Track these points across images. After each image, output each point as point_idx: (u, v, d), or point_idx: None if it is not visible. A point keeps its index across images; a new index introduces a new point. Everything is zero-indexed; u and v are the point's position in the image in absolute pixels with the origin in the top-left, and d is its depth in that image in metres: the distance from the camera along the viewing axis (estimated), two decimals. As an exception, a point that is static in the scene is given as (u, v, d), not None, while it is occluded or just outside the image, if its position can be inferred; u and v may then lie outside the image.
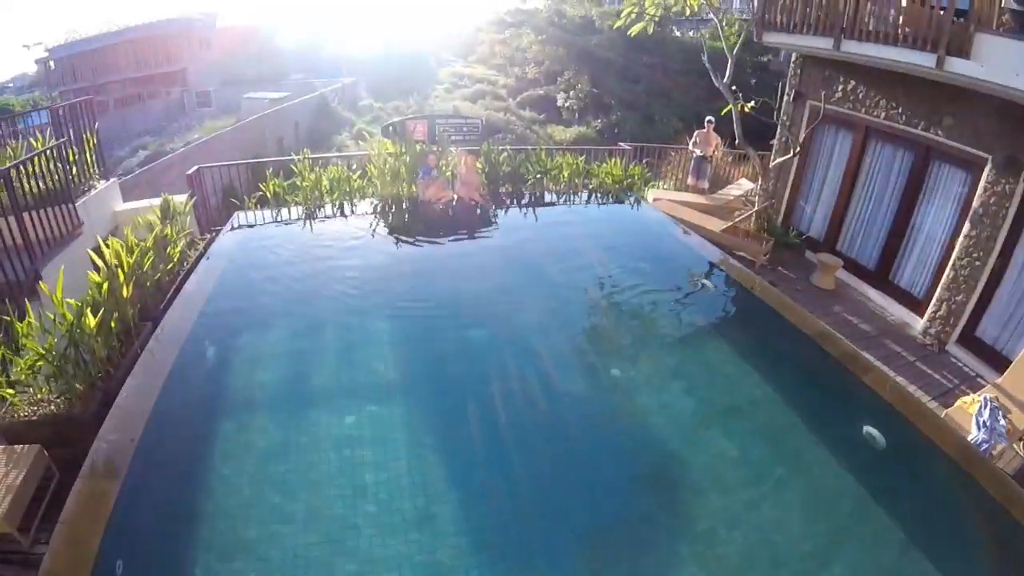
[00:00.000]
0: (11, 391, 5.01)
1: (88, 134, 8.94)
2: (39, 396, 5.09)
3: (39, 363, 5.05)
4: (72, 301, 5.30)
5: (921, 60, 7.30)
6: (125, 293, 5.88)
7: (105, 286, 5.73)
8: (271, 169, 9.71)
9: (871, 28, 7.97)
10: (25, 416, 4.99)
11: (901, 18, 7.70)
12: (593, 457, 4.60)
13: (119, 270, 6.01)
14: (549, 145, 12.13)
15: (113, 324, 5.52)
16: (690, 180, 11.90)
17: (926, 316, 8.22)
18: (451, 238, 8.37)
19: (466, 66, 54.19)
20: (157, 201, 8.36)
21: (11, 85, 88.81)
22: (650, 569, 3.70)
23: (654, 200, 10.28)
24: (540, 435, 4.76)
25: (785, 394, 5.48)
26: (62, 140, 7.99)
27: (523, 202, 9.48)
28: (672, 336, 6.51)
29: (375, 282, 6.99)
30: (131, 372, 4.88)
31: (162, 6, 50.80)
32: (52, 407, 4.98)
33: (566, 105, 30.20)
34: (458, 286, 7.05)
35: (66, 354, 5.11)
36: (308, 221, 8.70)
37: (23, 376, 5.13)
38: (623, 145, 11.43)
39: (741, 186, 11.74)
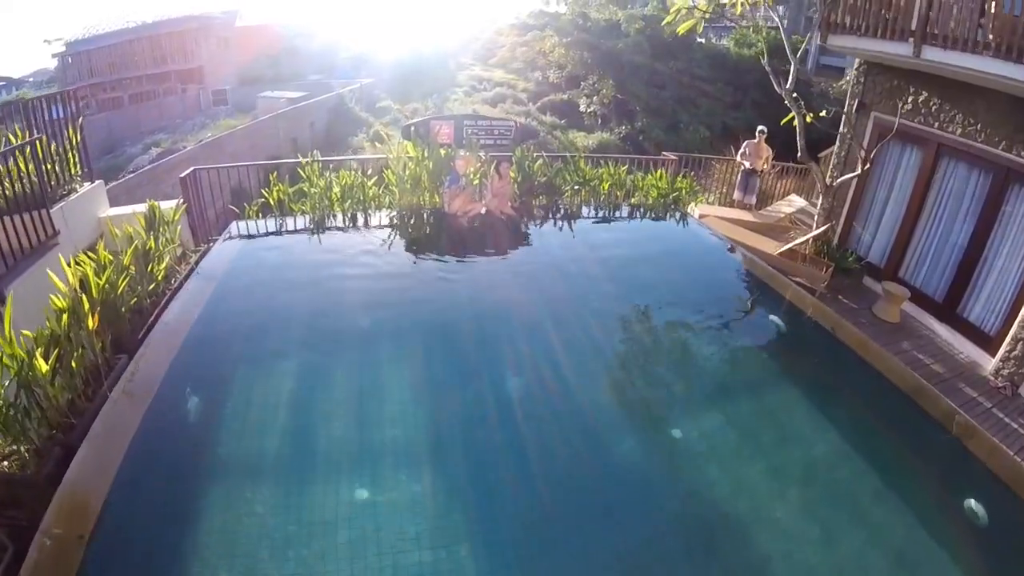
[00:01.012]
0: None
1: (71, 130, 7.98)
2: None
3: None
4: (28, 333, 4.40)
5: (1013, 72, 6.44)
6: (91, 324, 4.91)
7: (65, 317, 4.75)
8: (275, 173, 8.71)
9: (957, 35, 7.09)
10: None
11: (990, 25, 6.84)
12: (659, 548, 3.70)
13: (84, 295, 5.02)
14: (572, 151, 11.04)
15: (74, 364, 4.57)
16: (737, 195, 10.94)
17: (998, 355, 7.32)
18: (480, 258, 7.36)
19: (485, 70, 53.60)
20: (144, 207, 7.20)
21: (31, 79, 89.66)
22: None
23: (701, 216, 9.38)
24: (590, 517, 3.86)
25: (870, 455, 4.59)
26: (36, 137, 6.97)
27: (558, 216, 8.54)
28: (737, 382, 5.56)
29: (392, 310, 5.98)
30: (93, 425, 4.02)
31: (182, 2, 50.31)
32: (4, 465, 4.09)
33: (589, 110, 29.34)
34: (488, 319, 6.03)
35: (15, 403, 4.20)
36: (316, 233, 7.67)
37: None
38: (668, 155, 10.46)
39: (792, 203, 10.80)
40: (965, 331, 8.00)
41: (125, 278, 5.49)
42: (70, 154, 7.91)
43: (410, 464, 4.11)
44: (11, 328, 4.16)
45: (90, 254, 5.51)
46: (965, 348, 7.92)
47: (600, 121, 29.07)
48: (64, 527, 3.20)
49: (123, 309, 5.44)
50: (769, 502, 4.07)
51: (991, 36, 6.78)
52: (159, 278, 6.19)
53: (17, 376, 4.12)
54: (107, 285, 5.22)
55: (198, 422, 4.38)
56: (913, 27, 7.57)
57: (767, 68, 8.98)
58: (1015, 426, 6.53)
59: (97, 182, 8.40)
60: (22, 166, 6.22)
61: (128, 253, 5.85)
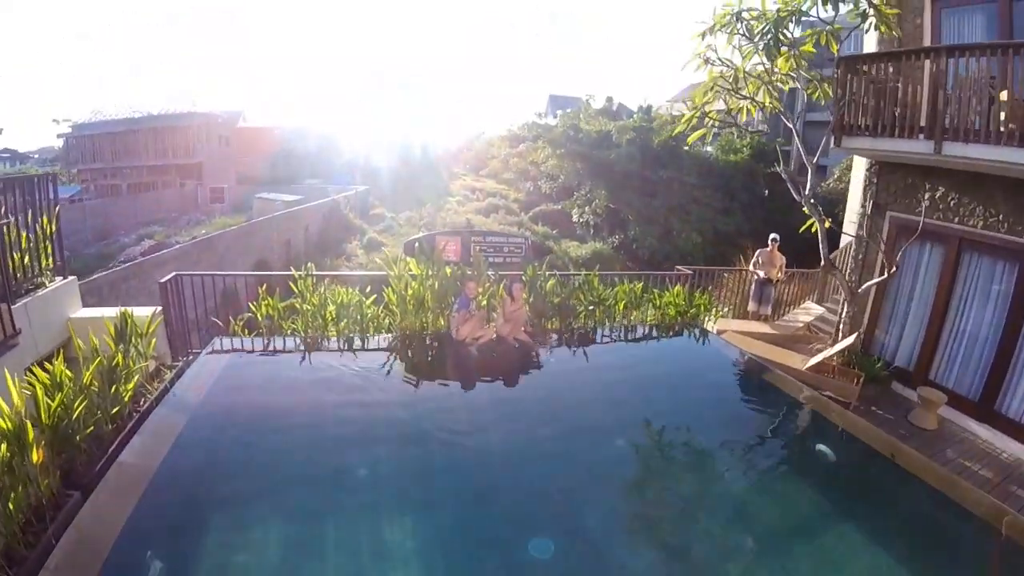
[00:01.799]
0: None
1: (45, 218, 7.09)
2: None
3: None
4: None
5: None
6: (36, 456, 4.13)
7: (4, 447, 3.96)
8: (265, 285, 8.00)
9: (976, 127, 7.05)
10: None
11: (1002, 114, 6.81)
12: None
13: (30, 421, 4.22)
14: (566, 261, 10.59)
15: (12, 505, 3.78)
16: (752, 306, 10.57)
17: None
18: (489, 388, 6.66)
19: (477, 180, 55.10)
20: (143, 311, 6.51)
21: (36, 156, 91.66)
22: None
23: (720, 332, 8.95)
24: None
25: None
26: (4, 221, 6.13)
27: (573, 339, 8.00)
28: (788, 522, 4.87)
29: (391, 450, 5.23)
30: None
31: (186, 98, 52.14)
32: None
33: (582, 220, 29.74)
34: (502, 464, 5.26)
35: None
36: (307, 355, 7.05)
37: None
38: (682, 269, 10.09)
39: (809, 311, 10.46)
40: (1006, 429, 7.49)
41: (83, 400, 4.71)
42: (42, 245, 7.05)
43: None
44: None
45: (47, 366, 4.76)
46: (1009, 447, 7.38)
47: (592, 231, 29.40)
48: None
49: (78, 438, 4.63)
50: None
51: (1011, 125, 6.73)
52: (125, 399, 5.35)
53: None
54: (61, 408, 4.47)
55: None
56: (925, 123, 7.58)
57: (784, 176, 8.83)
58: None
59: (70, 278, 7.51)
60: None
61: (91, 370, 5.07)
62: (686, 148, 30.01)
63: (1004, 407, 7.63)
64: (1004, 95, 6.85)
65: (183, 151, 46.49)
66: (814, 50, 8.24)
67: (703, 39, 8.28)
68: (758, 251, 10.69)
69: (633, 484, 5.21)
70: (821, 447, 5.71)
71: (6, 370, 4.53)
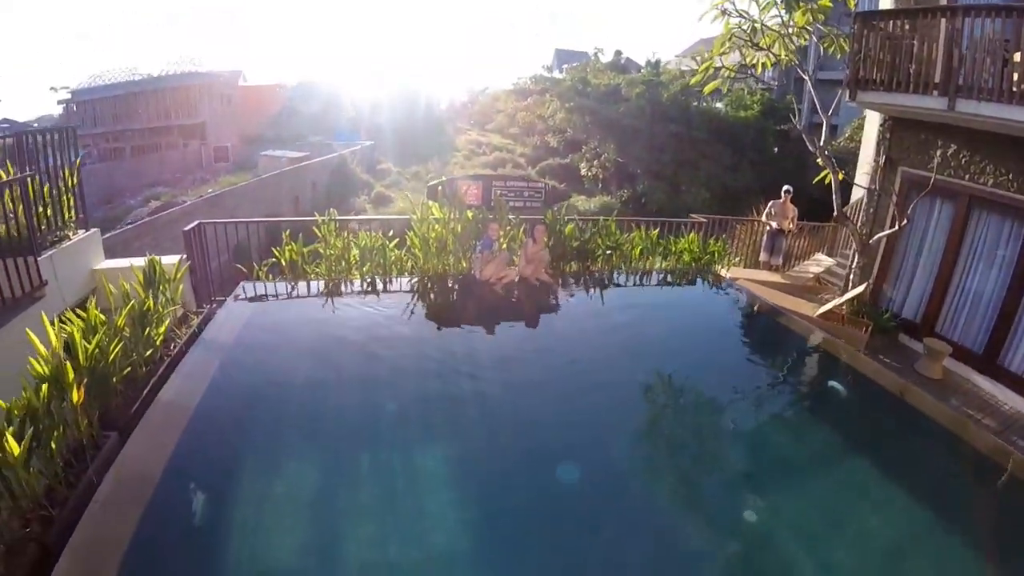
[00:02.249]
0: None
1: (67, 171, 7.22)
2: None
3: None
4: (3, 404, 3.77)
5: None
6: (76, 397, 4.21)
7: (45, 388, 4.04)
8: (288, 231, 8.19)
9: (989, 86, 7.08)
10: None
11: (1015, 75, 6.84)
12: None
13: (69, 362, 4.32)
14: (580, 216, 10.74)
15: (54, 444, 3.89)
16: (763, 256, 10.74)
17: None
18: (511, 329, 6.96)
19: (482, 134, 54.66)
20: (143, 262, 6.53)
21: (35, 124, 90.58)
22: None
23: (732, 279, 9.16)
24: None
25: (953, 523, 4.22)
26: (28, 174, 6.30)
27: (591, 282, 8.21)
28: (804, 455, 5.17)
29: (417, 387, 5.52)
30: (78, 524, 3.41)
31: (187, 59, 51.56)
32: None
33: (590, 174, 29.63)
34: (524, 398, 5.58)
35: None
36: (331, 298, 7.28)
37: None
38: (696, 217, 10.21)
39: (820, 262, 10.61)
40: (1009, 382, 7.69)
41: (118, 343, 4.90)
42: (64, 197, 7.18)
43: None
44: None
45: (79, 312, 4.94)
46: (1011, 400, 7.59)
47: (600, 185, 29.32)
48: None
49: (114, 379, 4.83)
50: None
51: (1023, 86, 6.77)
52: (157, 343, 5.58)
53: None
54: (97, 350, 4.62)
55: (204, 525, 3.81)
56: (939, 80, 7.60)
57: (795, 124, 8.88)
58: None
59: (92, 231, 7.66)
60: (9, 205, 5.62)
61: (123, 314, 5.27)
62: (695, 104, 29.72)
63: (1007, 362, 7.81)
64: (1017, 56, 6.86)
65: (185, 112, 46.26)
66: (831, 4, 8.20)
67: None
68: (771, 202, 10.80)
69: (651, 417, 5.50)
70: (834, 383, 5.98)
71: (43, 314, 4.71)
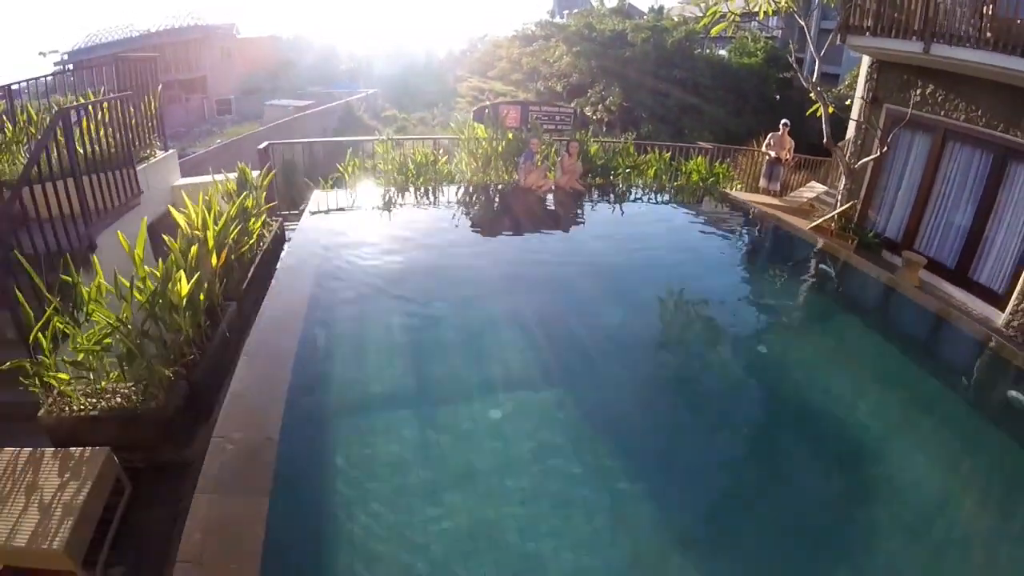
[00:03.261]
0: (63, 376, 4.01)
1: (150, 96, 8.36)
2: (101, 385, 4.15)
3: (107, 339, 4.15)
4: (150, 270, 4.53)
5: (1008, 63, 7.69)
6: (214, 262, 5.17)
7: (194, 249, 4.93)
8: (351, 149, 9.98)
9: (962, 32, 8.37)
10: (82, 410, 3.96)
11: (988, 24, 8.10)
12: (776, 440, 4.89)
13: (206, 234, 5.34)
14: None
15: (202, 297, 4.75)
16: (762, 183, 12.21)
17: (1008, 310, 8.46)
18: (550, 231, 8.60)
19: (484, 81, 54.84)
20: (220, 177, 7.81)
21: (25, 88, 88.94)
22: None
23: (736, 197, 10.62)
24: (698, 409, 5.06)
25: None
26: (127, 92, 7.47)
27: (612, 196, 9.73)
28: (808, 331, 6.87)
29: (481, 273, 7.21)
30: (238, 356, 4.56)
31: (181, 13, 51.32)
32: (119, 399, 4.05)
33: (595, 117, 30.66)
34: (564, 280, 7.25)
35: (144, 329, 4.24)
36: (391, 207, 8.83)
37: (84, 356, 4.11)
38: (703, 144, 11.69)
39: (813, 188, 12.07)
40: (977, 292, 9.18)
41: (237, 225, 6.08)
42: (149, 120, 8.36)
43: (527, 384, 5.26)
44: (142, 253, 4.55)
45: (195, 206, 5.98)
46: (979, 307, 9.07)
47: (606, 128, 30.37)
48: (245, 434, 3.82)
49: (232, 257, 5.89)
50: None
51: (989, 34, 8.06)
52: (254, 235, 6.80)
53: (148, 303, 4.29)
54: (222, 231, 5.70)
55: (335, 359, 5.41)
56: (919, 27, 8.88)
57: (793, 65, 10.17)
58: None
59: (172, 151, 8.94)
60: (111, 122, 6.67)
61: (233, 206, 6.45)
62: (699, 51, 30.54)
63: (975, 274, 9.29)
64: (991, 9, 8.12)
65: (185, 66, 46.18)
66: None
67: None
68: (770, 134, 12.18)
69: (670, 290, 7.18)
70: (824, 267, 7.60)
71: (144, 218, 5.95)
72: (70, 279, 4.27)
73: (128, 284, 4.31)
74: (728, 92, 29.88)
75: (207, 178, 8.27)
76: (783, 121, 12.09)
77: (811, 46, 10.46)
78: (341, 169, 9.35)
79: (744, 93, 29.91)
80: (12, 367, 3.94)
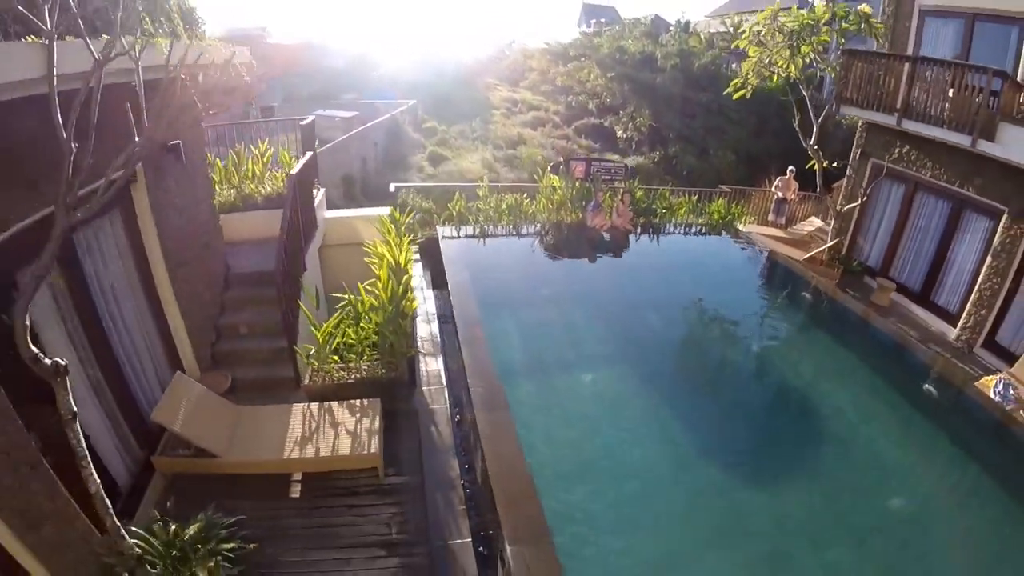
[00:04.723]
0: (334, 358, 7.33)
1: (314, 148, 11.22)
2: (352, 364, 7.35)
3: (375, 336, 7.53)
4: (377, 295, 7.81)
5: (961, 140, 10.73)
6: (409, 305, 8.13)
7: (406, 278, 8.17)
8: (458, 193, 13.18)
9: (926, 111, 11.43)
10: (338, 380, 7.19)
11: (947, 105, 11.12)
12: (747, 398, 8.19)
13: (393, 268, 8.40)
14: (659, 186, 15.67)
15: (407, 310, 7.90)
16: (771, 217, 15.36)
17: (959, 326, 11.50)
18: (609, 258, 11.99)
19: (513, 91, 58.11)
20: (362, 212, 11.03)
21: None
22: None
23: (747, 232, 13.79)
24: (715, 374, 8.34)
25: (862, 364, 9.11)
26: (319, 148, 10.73)
27: (652, 231, 13.01)
28: (791, 340, 10.13)
29: (561, 288, 10.68)
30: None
31: (226, 27, 54.49)
32: (363, 373, 7.40)
33: (625, 136, 33.85)
34: (623, 293, 10.75)
35: (391, 330, 7.45)
36: (483, 237, 12.05)
37: (359, 346, 7.46)
38: (724, 188, 14.88)
39: (812, 223, 15.14)
40: (936, 311, 12.24)
41: (407, 278, 8.93)
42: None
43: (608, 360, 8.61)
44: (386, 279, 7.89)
45: (380, 242, 9.31)
46: (936, 323, 12.12)
47: (634, 146, 33.53)
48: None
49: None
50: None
51: (948, 114, 11.07)
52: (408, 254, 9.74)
53: (391, 313, 7.61)
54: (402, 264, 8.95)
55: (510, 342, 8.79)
56: (900, 105, 11.94)
57: (796, 128, 13.30)
58: (966, 368, 10.69)
59: (323, 189, 11.78)
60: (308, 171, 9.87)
61: (404, 240, 9.62)
62: (724, 70, 33.65)
63: (935, 297, 12.36)
64: (951, 92, 11.11)
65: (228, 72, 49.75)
66: (828, 39, 12.48)
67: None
68: (779, 178, 15.33)
69: (689, 302, 10.44)
70: (805, 294, 10.82)
71: (341, 219, 9.62)
72: (351, 296, 7.80)
73: (370, 300, 7.69)
74: (751, 114, 32.91)
75: (349, 212, 11.65)
76: (790, 168, 15.21)
77: (811, 113, 13.55)
78: (451, 208, 12.61)
79: (766, 116, 32.92)
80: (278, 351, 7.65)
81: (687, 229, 13.41)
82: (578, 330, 9.43)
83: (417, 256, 10.93)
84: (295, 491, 6.40)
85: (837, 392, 8.78)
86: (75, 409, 4.02)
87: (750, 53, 12.92)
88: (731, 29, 44.24)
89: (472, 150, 34.25)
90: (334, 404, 6.94)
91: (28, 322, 3.51)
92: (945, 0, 12.21)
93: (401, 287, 7.92)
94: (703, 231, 13.36)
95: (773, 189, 15.47)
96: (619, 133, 34.18)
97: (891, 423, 8.26)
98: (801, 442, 7.70)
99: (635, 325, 9.71)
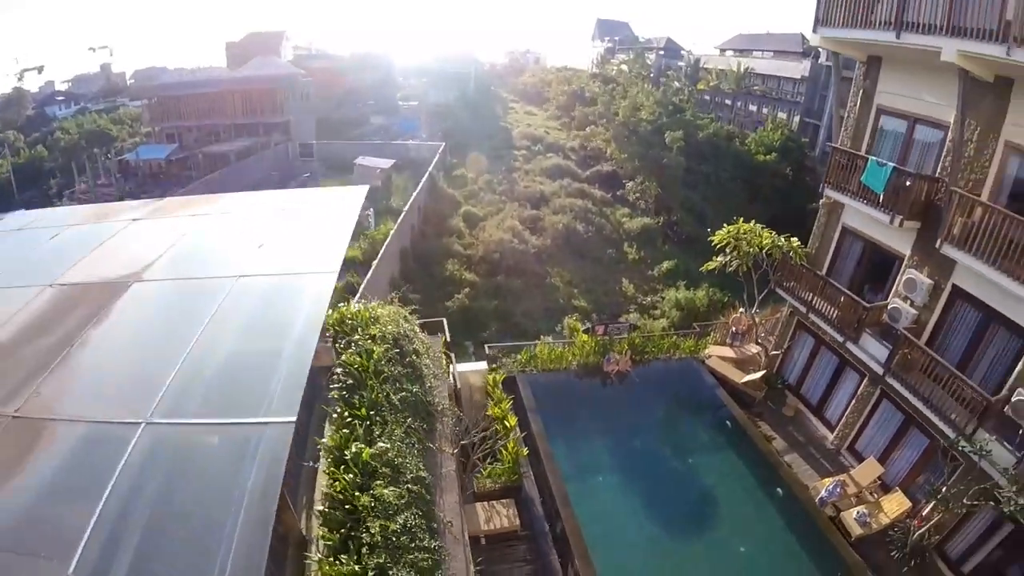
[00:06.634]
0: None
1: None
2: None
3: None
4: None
5: (839, 337, 18.97)
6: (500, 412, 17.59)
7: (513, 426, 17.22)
8: (525, 351, 21.83)
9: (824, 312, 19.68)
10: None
11: (836, 312, 19.29)
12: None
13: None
14: (619, 235, 23.88)
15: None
16: (728, 340, 23.65)
17: (834, 434, 19.85)
18: (621, 386, 20.67)
19: (529, 114, 65.93)
20: (470, 367, 19.95)
21: (72, 88, 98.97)
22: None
23: (707, 357, 22.28)
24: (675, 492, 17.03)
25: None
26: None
27: (641, 365, 21.53)
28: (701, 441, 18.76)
29: (599, 404, 19.35)
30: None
31: (269, 59, 62.04)
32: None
33: (634, 200, 42.18)
34: (627, 412, 19.28)
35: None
36: (537, 371, 20.65)
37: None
38: (695, 327, 23.41)
39: (756, 346, 23.46)
40: (824, 422, 20.58)
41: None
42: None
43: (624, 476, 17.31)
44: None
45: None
46: (822, 429, 20.50)
47: (641, 210, 41.92)
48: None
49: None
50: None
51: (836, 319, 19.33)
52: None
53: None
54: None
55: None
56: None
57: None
58: (828, 466, 19.15)
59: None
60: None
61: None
62: (725, 142, 41.94)
63: (826, 412, 20.69)
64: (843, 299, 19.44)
65: (271, 109, 56.27)
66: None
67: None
68: (733, 315, 23.67)
69: (657, 417, 19.18)
70: (727, 421, 19.49)
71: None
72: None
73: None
74: (745, 183, 41.31)
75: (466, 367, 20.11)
76: (741, 309, 23.48)
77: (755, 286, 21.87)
78: (521, 358, 21.23)
79: (759, 185, 41.31)
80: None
81: (667, 361, 21.98)
82: (594, 433, 18.33)
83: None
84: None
85: (724, 485, 17.22)
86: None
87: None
88: (739, 70, 52.51)
89: (499, 208, 41.93)
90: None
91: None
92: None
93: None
94: (678, 362, 22.00)
95: (730, 322, 23.78)
96: (631, 198, 42.50)
97: (749, 508, 16.71)
98: (699, 511, 16.30)
99: (630, 418, 18.81)
